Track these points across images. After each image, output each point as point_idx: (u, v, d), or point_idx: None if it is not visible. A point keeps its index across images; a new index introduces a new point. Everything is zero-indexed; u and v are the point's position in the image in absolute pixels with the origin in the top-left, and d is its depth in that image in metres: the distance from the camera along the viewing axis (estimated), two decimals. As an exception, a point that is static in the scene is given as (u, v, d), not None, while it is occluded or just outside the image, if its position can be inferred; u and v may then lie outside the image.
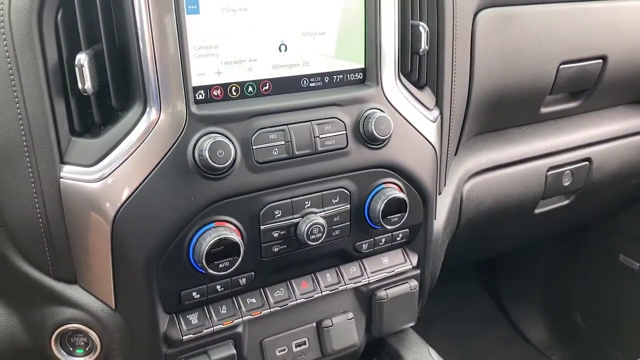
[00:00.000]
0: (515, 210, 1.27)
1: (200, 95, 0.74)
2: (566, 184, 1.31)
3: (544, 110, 1.23)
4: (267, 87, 0.79)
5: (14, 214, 0.72)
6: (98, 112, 0.72)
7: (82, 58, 0.67)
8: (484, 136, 1.20)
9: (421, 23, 0.89)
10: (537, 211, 1.33)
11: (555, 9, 1.13)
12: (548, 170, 1.27)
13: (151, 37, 0.68)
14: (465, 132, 1.08)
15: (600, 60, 1.22)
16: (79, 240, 0.73)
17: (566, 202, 1.38)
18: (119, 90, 0.71)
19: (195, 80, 0.73)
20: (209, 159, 0.71)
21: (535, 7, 1.10)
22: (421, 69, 0.94)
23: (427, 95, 0.95)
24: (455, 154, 1.09)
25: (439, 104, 0.97)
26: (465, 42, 0.99)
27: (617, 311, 1.75)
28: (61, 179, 0.71)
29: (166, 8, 0.68)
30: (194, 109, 0.72)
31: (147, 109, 0.71)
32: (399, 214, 0.87)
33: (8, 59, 0.66)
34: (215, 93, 0.75)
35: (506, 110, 1.16)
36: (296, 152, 0.79)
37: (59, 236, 0.73)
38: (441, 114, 0.97)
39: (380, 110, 0.84)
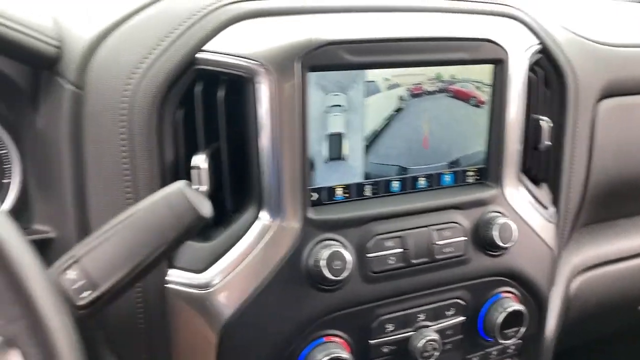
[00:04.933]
0: (617, 307, 1.17)
1: (314, 196, 0.69)
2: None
3: (656, 200, 1.14)
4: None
5: (115, 318, 0.68)
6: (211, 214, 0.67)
7: (199, 160, 0.63)
8: (591, 228, 1.10)
9: (543, 117, 0.83)
10: (641, 307, 1.22)
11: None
12: (658, 266, 1.16)
13: (275, 142, 0.64)
14: (576, 226, 1.00)
15: None
16: (182, 351, 0.68)
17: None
18: (234, 191, 0.67)
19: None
20: (325, 271, 0.65)
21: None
22: (540, 166, 0.87)
23: (544, 193, 0.88)
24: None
25: (555, 201, 0.90)
26: (585, 135, 0.92)
27: None
28: (167, 285, 0.66)
29: (291, 112, 0.64)
30: (310, 213, 0.67)
31: (261, 212, 0.66)
32: (517, 327, 0.79)
33: (125, 160, 0.62)
34: (326, 195, 0.70)
35: (617, 202, 1.07)
36: (412, 261, 0.72)
37: (161, 346, 0.68)
38: (557, 212, 0.90)
39: (502, 214, 0.77)
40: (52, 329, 0.38)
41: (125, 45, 0.63)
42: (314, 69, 0.65)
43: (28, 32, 0.60)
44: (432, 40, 0.71)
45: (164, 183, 0.64)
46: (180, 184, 0.51)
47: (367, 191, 0.72)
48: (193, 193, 0.51)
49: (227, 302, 0.65)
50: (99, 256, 0.50)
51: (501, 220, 0.75)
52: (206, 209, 0.51)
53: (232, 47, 0.63)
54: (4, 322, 0.37)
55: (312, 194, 0.69)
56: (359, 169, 0.71)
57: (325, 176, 0.70)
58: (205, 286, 0.65)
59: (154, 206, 0.51)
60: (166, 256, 0.52)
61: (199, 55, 0.63)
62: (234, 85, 0.65)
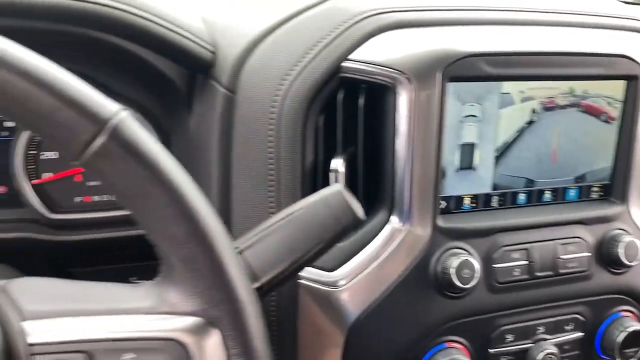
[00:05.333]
0: None
1: (442, 204, 0.71)
2: None
3: None
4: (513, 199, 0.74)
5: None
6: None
7: (338, 163, 0.66)
8: None
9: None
10: None
11: None
12: None
13: (410, 149, 0.66)
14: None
15: None
16: (308, 346, 0.71)
17: None
18: (367, 194, 0.69)
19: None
20: (454, 279, 0.66)
21: None
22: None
23: (666, 212, 0.86)
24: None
25: (677, 220, 0.87)
26: None
27: None
28: (299, 280, 0.69)
29: (429, 121, 0.66)
30: (440, 221, 0.69)
31: (392, 216, 0.68)
32: (636, 348, 0.78)
33: (271, 161, 0.66)
34: (454, 203, 0.72)
35: None
36: (537, 274, 0.72)
37: (289, 340, 0.71)
38: (678, 232, 0.87)
39: (627, 232, 0.76)
40: (249, 314, 0.41)
41: (276, 53, 0.66)
42: (454, 79, 0.66)
43: (188, 36, 0.65)
44: (569, 55, 0.71)
45: (304, 184, 0.67)
46: (338, 187, 0.54)
47: (494, 202, 0.73)
48: (350, 196, 0.54)
49: (355, 302, 0.68)
50: (260, 250, 0.53)
51: (627, 238, 0.75)
52: (361, 211, 0.54)
53: (376, 56, 0.65)
54: (208, 306, 0.40)
55: (441, 202, 0.70)
56: (487, 179, 0.72)
57: (455, 185, 0.71)
58: (335, 285, 0.68)
59: (313, 206, 0.53)
60: (321, 255, 0.54)
61: (344, 63, 0.65)
62: (373, 93, 0.67)
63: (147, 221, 0.39)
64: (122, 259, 0.74)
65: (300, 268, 0.54)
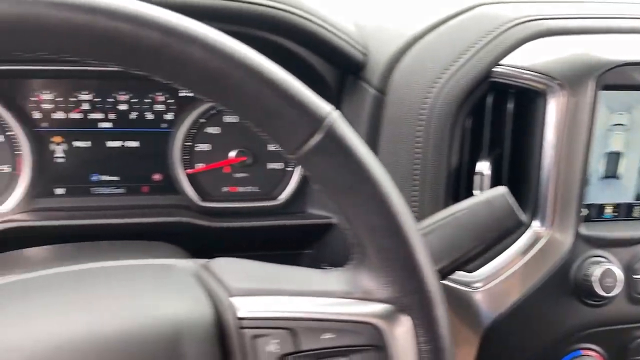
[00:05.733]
0: None
1: (583, 212, 0.70)
2: None
3: None
4: (650, 211, 0.73)
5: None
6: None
7: (483, 166, 0.67)
8: None
9: None
10: None
11: None
12: None
13: (557, 155, 0.66)
14: None
15: None
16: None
17: None
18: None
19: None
20: (597, 287, 0.66)
21: None
22: None
23: None
24: None
25: None
26: None
27: None
28: (438, 279, 0.71)
29: (578, 128, 0.66)
30: (582, 228, 0.68)
31: (534, 221, 0.69)
32: None
33: (417, 161, 0.68)
34: (596, 212, 0.71)
35: None
36: (678, 288, 0.71)
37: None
38: None
39: None
40: (437, 304, 0.43)
41: (428, 56, 0.68)
42: (606, 87, 0.66)
43: (343, 37, 0.68)
44: None
45: (447, 185, 0.69)
46: (502, 190, 0.55)
47: (636, 212, 0.72)
48: (513, 199, 0.55)
49: (492, 304, 0.69)
50: None
51: None
52: (523, 215, 0.55)
53: (527, 62, 0.66)
54: (401, 294, 0.43)
55: (583, 209, 0.70)
56: (631, 189, 0.71)
57: (598, 193, 0.71)
58: (472, 286, 0.69)
59: (476, 207, 0.55)
60: (481, 255, 0.56)
61: (495, 68, 0.67)
62: (522, 98, 0.68)
63: (350, 212, 0.42)
64: (264, 246, 0.78)
65: (460, 267, 0.56)
